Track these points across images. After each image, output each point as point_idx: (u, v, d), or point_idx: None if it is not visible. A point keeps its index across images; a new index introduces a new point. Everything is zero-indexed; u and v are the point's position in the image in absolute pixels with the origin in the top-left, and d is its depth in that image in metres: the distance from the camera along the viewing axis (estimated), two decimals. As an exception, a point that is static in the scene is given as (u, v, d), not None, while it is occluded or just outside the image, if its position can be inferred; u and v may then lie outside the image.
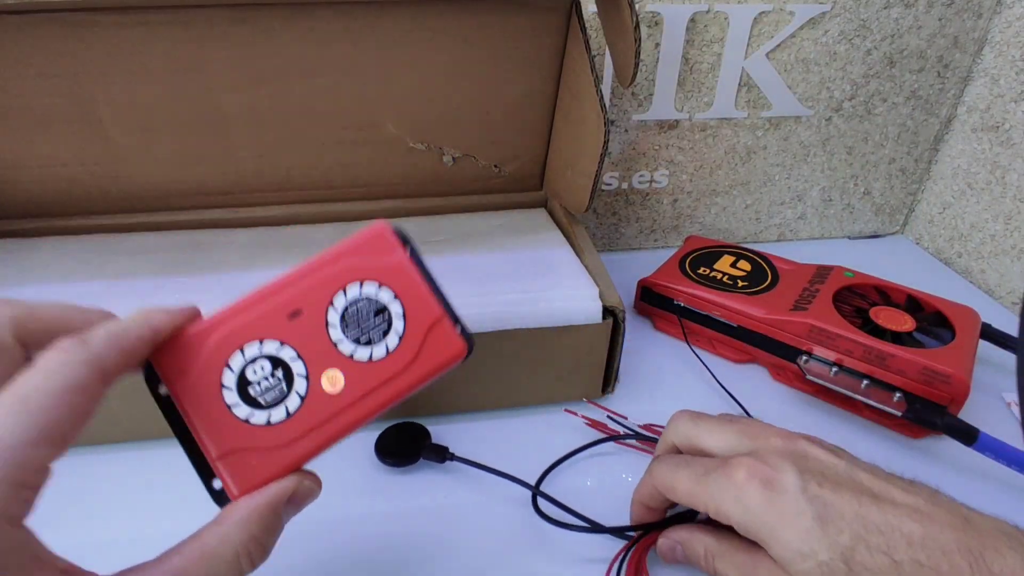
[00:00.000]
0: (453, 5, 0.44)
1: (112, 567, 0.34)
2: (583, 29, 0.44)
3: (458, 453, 0.39)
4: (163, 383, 0.23)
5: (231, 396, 0.23)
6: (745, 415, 0.44)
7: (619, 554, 0.33)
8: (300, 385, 0.24)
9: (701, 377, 0.48)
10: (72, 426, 0.21)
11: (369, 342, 0.24)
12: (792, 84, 0.58)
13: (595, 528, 0.34)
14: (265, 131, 0.47)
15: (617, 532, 0.34)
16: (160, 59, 0.43)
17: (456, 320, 0.26)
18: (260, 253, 0.46)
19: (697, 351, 0.50)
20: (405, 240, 0.26)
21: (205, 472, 0.23)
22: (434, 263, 0.40)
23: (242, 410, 0.23)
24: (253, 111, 0.46)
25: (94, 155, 0.46)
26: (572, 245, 0.48)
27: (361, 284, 0.25)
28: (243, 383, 0.23)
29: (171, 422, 0.23)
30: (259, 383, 0.23)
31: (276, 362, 0.24)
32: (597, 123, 0.43)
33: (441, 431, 0.42)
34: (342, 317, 0.25)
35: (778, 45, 0.56)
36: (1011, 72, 0.57)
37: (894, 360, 0.42)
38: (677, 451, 0.33)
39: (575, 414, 0.43)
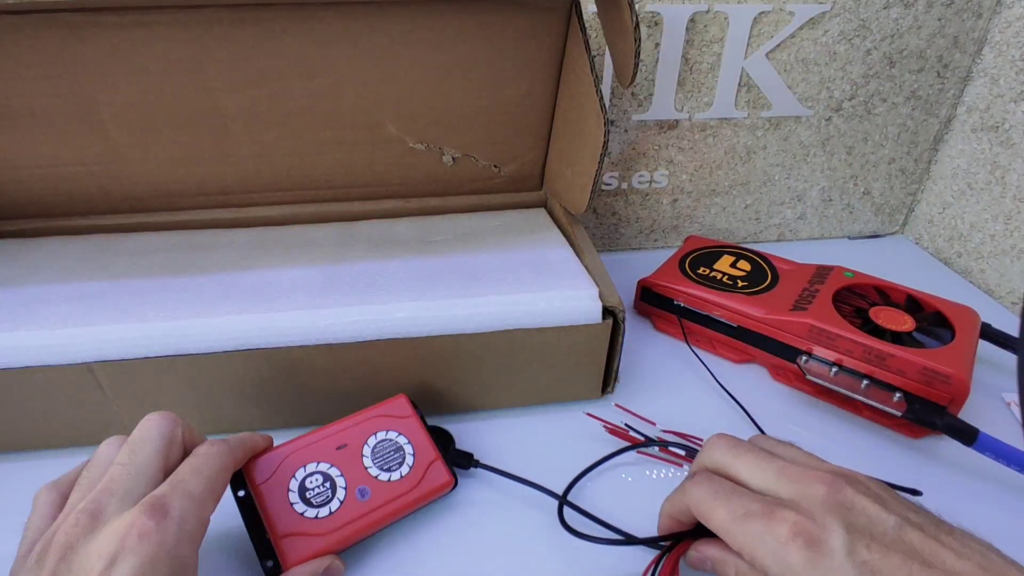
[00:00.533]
0: (453, 5, 0.44)
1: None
2: (583, 29, 0.44)
3: (466, 453, 0.39)
4: (244, 487, 0.33)
5: (294, 496, 0.34)
6: (753, 424, 0.44)
7: (650, 566, 0.32)
8: (341, 494, 0.34)
9: (701, 377, 0.48)
10: (221, 492, 0.30)
11: (389, 469, 0.36)
12: (792, 84, 0.58)
13: (628, 540, 0.34)
14: (265, 131, 0.47)
15: (650, 543, 0.33)
16: (160, 59, 0.43)
17: (447, 461, 0.37)
18: (260, 253, 0.46)
19: (697, 351, 0.50)
20: (416, 406, 0.39)
21: (262, 553, 0.32)
22: (434, 263, 0.42)
23: (299, 507, 0.33)
24: (253, 111, 0.46)
25: (94, 155, 0.46)
26: (572, 245, 0.48)
27: (387, 432, 0.37)
28: (303, 488, 0.34)
29: (244, 513, 0.33)
30: (313, 489, 0.34)
31: (326, 477, 0.35)
32: (597, 123, 0.43)
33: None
34: (373, 451, 0.36)
35: (778, 45, 0.56)
36: (1011, 72, 0.57)
37: (894, 360, 0.42)
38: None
39: (600, 420, 0.42)
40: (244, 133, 0.47)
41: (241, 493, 0.34)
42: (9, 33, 0.40)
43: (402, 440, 0.37)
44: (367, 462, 0.36)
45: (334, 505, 0.34)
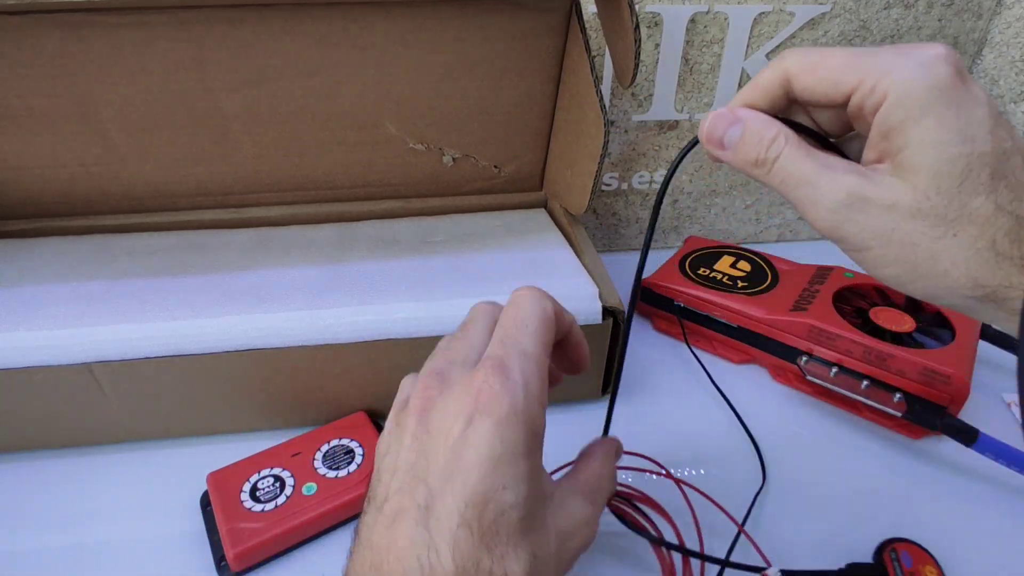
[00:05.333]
0: (453, 6, 0.44)
1: (101, 567, 0.34)
2: (583, 30, 0.44)
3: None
4: (209, 502, 0.36)
5: (244, 496, 0.36)
6: (743, 428, 0.44)
7: None
8: (288, 490, 0.36)
9: (701, 378, 0.48)
10: (551, 342, 0.27)
11: (337, 468, 0.38)
12: (792, 84, 0.58)
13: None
14: (265, 131, 0.47)
15: None
16: (160, 59, 0.43)
17: None
18: (260, 253, 0.46)
19: (697, 352, 0.50)
20: (374, 419, 0.42)
21: (216, 553, 0.34)
22: (434, 263, 0.42)
23: (248, 503, 0.35)
24: (253, 111, 0.46)
25: (94, 155, 0.46)
26: (572, 245, 0.48)
27: (340, 439, 0.39)
28: (254, 489, 0.36)
29: (207, 522, 0.36)
30: (263, 488, 0.36)
31: (277, 478, 0.37)
32: (597, 123, 0.43)
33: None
34: (324, 455, 0.38)
35: (778, 46, 0.56)
36: (1011, 73, 0.57)
37: (894, 360, 0.42)
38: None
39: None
40: (244, 133, 0.47)
41: (209, 510, 0.36)
42: (8, 33, 0.40)
43: (354, 444, 0.39)
44: (317, 464, 0.38)
45: (280, 500, 0.35)
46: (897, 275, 0.21)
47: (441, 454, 0.22)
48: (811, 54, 0.23)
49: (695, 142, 0.26)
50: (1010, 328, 0.20)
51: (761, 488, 0.39)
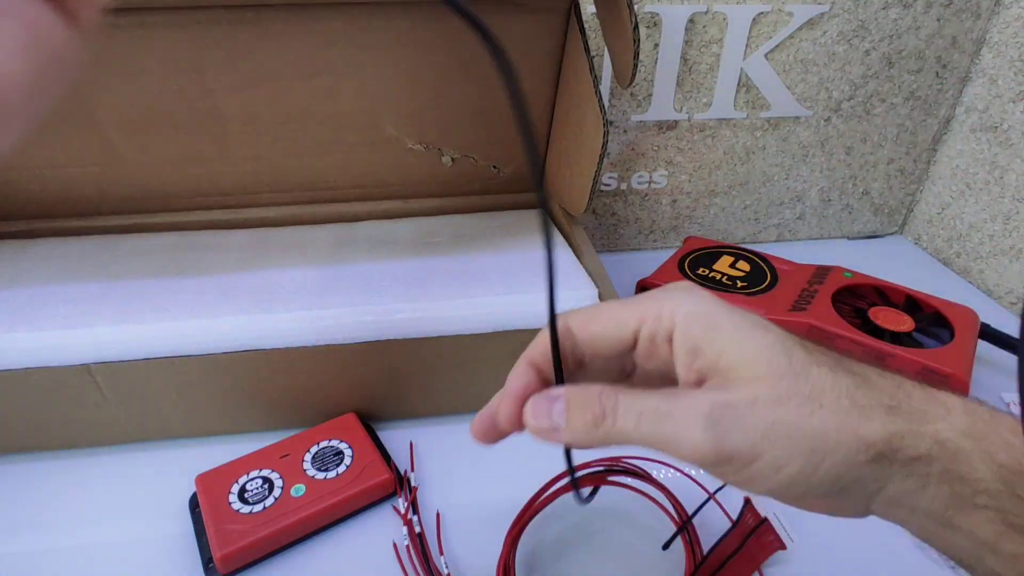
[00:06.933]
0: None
1: (88, 570, 0.34)
2: (582, 30, 0.44)
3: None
4: (197, 504, 0.36)
5: (233, 498, 0.36)
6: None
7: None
8: (276, 492, 0.36)
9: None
10: None
11: (326, 469, 0.38)
12: (791, 85, 0.58)
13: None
14: (264, 132, 0.47)
15: None
16: (159, 60, 0.43)
17: (387, 461, 0.39)
18: (259, 254, 0.46)
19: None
20: (364, 420, 0.42)
21: (204, 555, 0.34)
22: (433, 264, 0.42)
23: (236, 505, 0.35)
24: (252, 112, 0.46)
25: (93, 156, 0.46)
26: (571, 246, 0.48)
27: (330, 440, 0.39)
28: (242, 491, 0.36)
29: (196, 526, 0.36)
30: (252, 490, 0.36)
31: (265, 480, 0.37)
32: (596, 124, 0.43)
33: (438, 432, 0.42)
34: (314, 456, 0.38)
35: (777, 46, 0.56)
36: (1009, 72, 0.57)
37: (893, 360, 0.42)
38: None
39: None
40: (243, 134, 0.47)
41: (197, 512, 0.36)
42: (8, 34, 0.40)
43: (343, 446, 0.39)
44: (306, 465, 0.38)
45: (268, 502, 0.35)
46: (801, 469, 0.20)
47: None
48: (583, 311, 0.24)
49: (575, 480, 0.27)
50: (912, 489, 0.20)
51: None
